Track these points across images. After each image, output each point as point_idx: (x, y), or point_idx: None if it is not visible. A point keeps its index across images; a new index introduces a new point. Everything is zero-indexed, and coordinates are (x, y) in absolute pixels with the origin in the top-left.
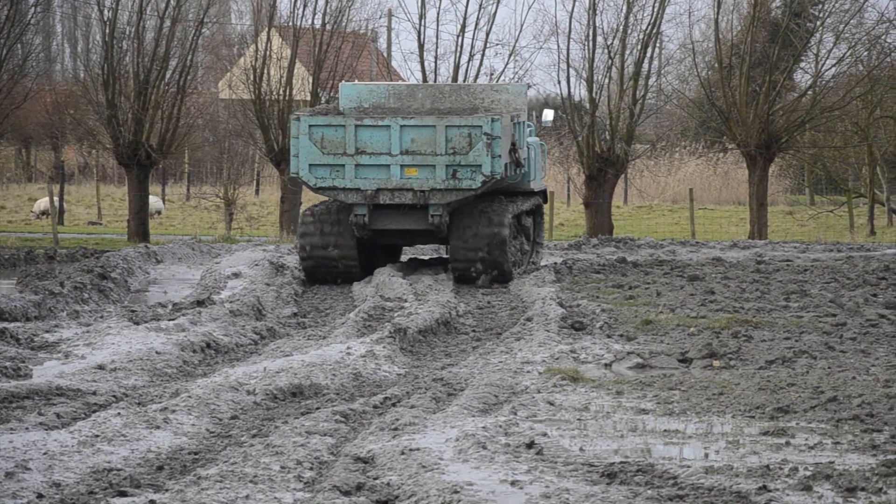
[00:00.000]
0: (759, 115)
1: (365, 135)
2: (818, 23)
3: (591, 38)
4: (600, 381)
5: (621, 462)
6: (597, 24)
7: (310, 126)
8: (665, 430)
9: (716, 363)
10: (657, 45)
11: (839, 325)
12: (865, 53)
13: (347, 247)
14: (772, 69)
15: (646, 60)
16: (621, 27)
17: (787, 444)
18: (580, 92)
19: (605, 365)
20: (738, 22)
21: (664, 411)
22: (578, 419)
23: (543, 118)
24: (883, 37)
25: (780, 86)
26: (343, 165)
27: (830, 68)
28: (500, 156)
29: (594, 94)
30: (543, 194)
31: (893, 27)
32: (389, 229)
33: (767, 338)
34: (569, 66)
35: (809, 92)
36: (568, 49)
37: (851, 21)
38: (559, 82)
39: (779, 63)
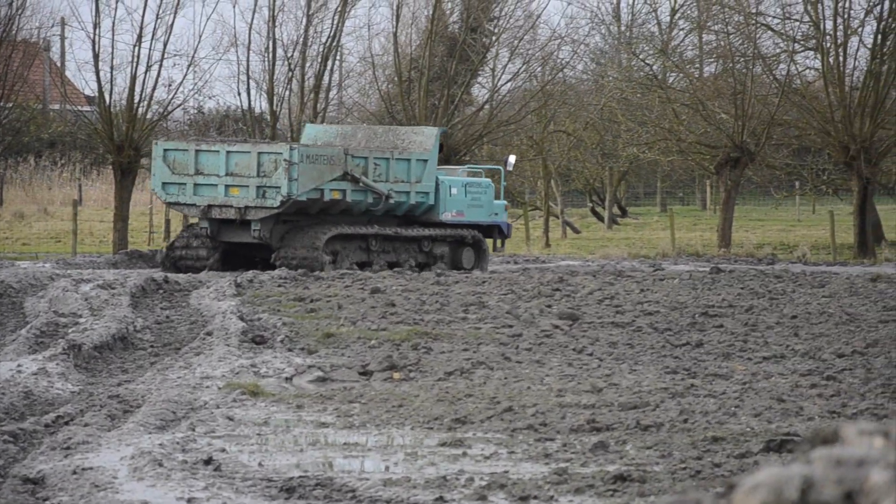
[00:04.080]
0: None
1: (203, 158)
2: (494, 38)
3: (271, 49)
4: (281, 396)
5: (300, 476)
6: (277, 36)
7: (164, 150)
8: (345, 444)
9: (396, 375)
10: (337, 57)
11: (515, 335)
12: (539, 69)
13: (213, 257)
14: (450, 83)
15: (326, 73)
16: (301, 39)
17: (465, 454)
18: (261, 104)
19: (286, 379)
20: (416, 36)
21: (344, 424)
22: (258, 434)
23: (508, 162)
24: (555, 53)
25: (459, 100)
26: (185, 184)
27: (506, 83)
28: (296, 179)
29: (275, 107)
30: (492, 229)
31: (565, 43)
32: (233, 241)
33: (446, 349)
34: (249, 77)
35: (487, 106)
36: (248, 61)
37: (525, 37)
38: (239, 94)
39: (457, 77)
